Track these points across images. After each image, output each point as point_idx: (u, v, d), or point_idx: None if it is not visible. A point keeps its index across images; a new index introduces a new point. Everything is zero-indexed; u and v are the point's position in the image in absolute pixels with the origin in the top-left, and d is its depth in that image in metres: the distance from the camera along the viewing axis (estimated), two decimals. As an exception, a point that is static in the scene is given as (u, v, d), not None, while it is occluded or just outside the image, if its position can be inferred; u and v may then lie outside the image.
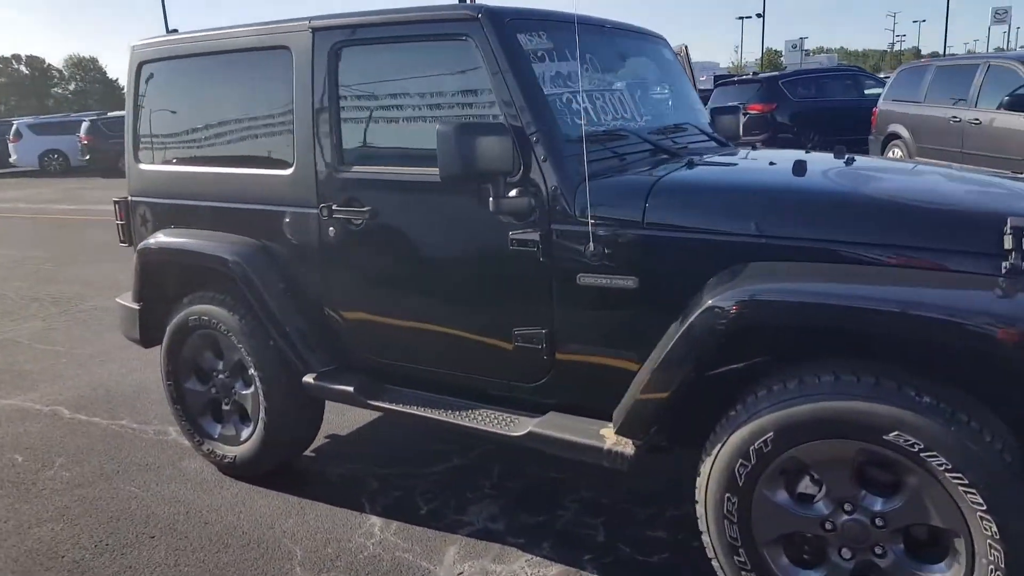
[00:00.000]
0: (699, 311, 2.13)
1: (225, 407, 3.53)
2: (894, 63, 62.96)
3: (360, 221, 2.94)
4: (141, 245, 3.54)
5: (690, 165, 2.68)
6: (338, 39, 2.92)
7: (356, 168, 2.95)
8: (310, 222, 3.08)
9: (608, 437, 2.48)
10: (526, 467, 3.48)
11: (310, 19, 3.01)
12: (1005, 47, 60.34)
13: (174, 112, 3.55)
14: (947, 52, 44.98)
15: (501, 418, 2.76)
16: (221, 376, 3.50)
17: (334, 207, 2.98)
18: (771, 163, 2.92)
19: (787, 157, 2.86)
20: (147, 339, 3.77)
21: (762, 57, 61.31)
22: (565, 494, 3.24)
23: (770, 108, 12.68)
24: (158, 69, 3.57)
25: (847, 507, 2.08)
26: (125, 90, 3.69)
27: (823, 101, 13.06)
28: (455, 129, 2.42)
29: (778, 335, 2.23)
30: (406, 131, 2.89)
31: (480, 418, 2.78)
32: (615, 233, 2.43)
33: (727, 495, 2.19)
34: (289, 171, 3.11)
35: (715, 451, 2.20)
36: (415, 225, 2.84)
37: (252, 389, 3.36)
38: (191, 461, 3.73)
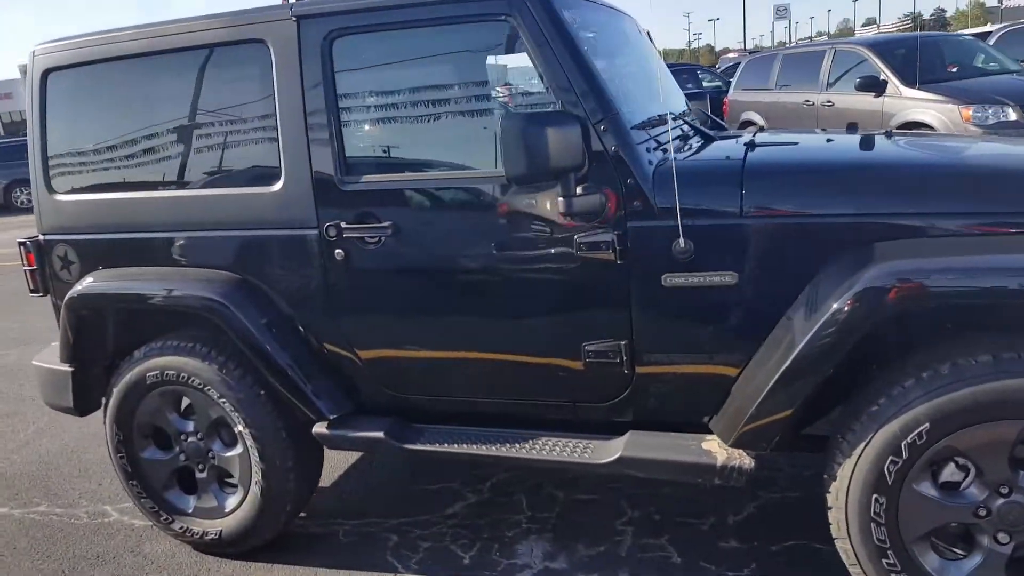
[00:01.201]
0: (846, 296, 1.96)
1: (200, 475, 2.96)
2: (693, 60, 67.49)
3: (377, 239, 2.53)
4: (71, 294, 2.88)
5: (751, 147, 2.52)
6: (333, 28, 2.49)
7: (368, 178, 2.54)
8: (308, 245, 2.62)
9: (717, 452, 2.27)
10: (552, 492, 3.19)
11: (291, 5, 2.56)
12: (788, 41, 66.57)
13: (101, 129, 2.91)
14: (746, 47, 48.87)
15: (573, 445, 2.47)
16: (192, 439, 2.92)
17: (343, 225, 2.54)
18: (829, 140, 2.84)
19: (820, 137, 2.79)
20: (83, 406, 3.10)
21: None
22: (609, 515, 3.00)
23: None
24: (74, 77, 2.91)
25: (1003, 489, 2.00)
26: (26, 106, 3.00)
27: None
28: (523, 122, 2.11)
29: (924, 317, 2.11)
30: (431, 130, 2.53)
31: (549, 448, 2.47)
32: (708, 225, 2.22)
33: (875, 496, 2.05)
34: (276, 187, 2.63)
35: (858, 451, 2.05)
36: (451, 239, 2.48)
37: (239, 449, 2.83)
38: (156, 544, 3.10)
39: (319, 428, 2.70)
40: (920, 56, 7.73)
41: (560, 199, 2.24)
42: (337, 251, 2.58)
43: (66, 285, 3.00)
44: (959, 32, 15.38)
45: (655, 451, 2.33)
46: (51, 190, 3.00)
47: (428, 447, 2.58)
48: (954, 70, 8.36)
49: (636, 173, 2.26)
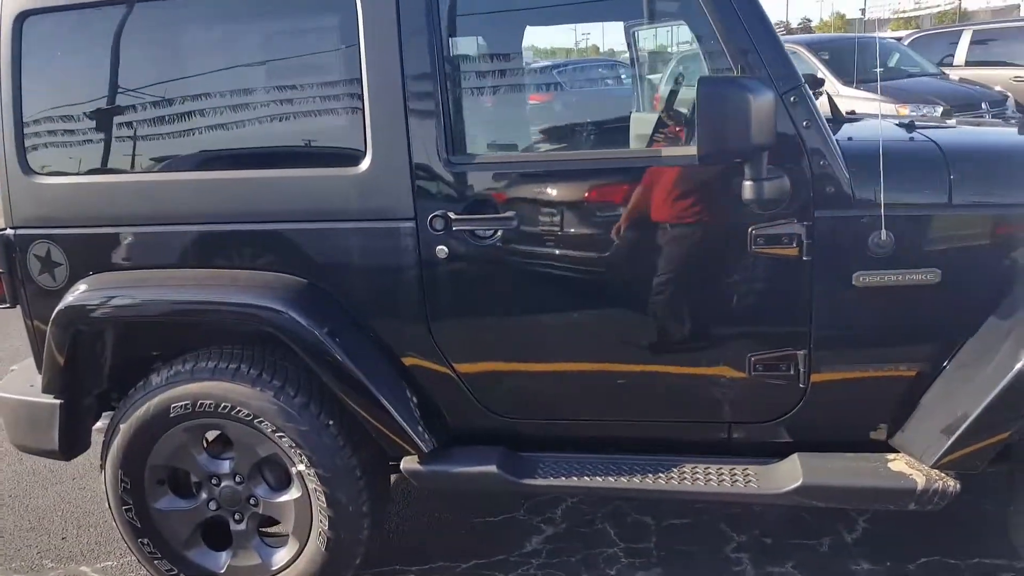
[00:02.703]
0: None
1: (236, 526, 2.39)
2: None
3: (492, 233, 2.08)
4: (66, 304, 2.23)
5: (911, 129, 2.25)
6: None
7: (487, 157, 2.08)
8: (401, 241, 2.12)
9: (913, 474, 1.98)
10: (638, 518, 2.82)
11: None
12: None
13: (105, 90, 2.27)
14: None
15: (728, 473, 2.12)
16: (228, 483, 2.35)
17: (453, 216, 2.07)
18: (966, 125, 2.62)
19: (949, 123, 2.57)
20: (70, 448, 2.44)
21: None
22: (714, 542, 2.66)
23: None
24: (65, 21, 2.25)
25: None
26: None
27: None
28: (727, 88, 1.74)
29: None
30: (574, 100, 2.10)
31: (701, 478, 2.11)
32: (911, 216, 1.93)
33: None
34: (361, 168, 2.11)
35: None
36: (589, 231, 2.06)
37: (295, 493, 2.29)
38: (173, 616, 2.49)
39: (410, 464, 2.22)
40: (853, 56, 7.89)
41: (747, 183, 1.88)
42: (439, 247, 2.10)
43: (47, 294, 2.35)
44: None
45: (842, 477, 2.02)
46: (27, 169, 2.31)
47: (553, 482, 2.16)
48: (881, 70, 8.63)
49: (829, 154, 1.94)
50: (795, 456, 2.10)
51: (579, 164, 2.07)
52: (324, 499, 2.23)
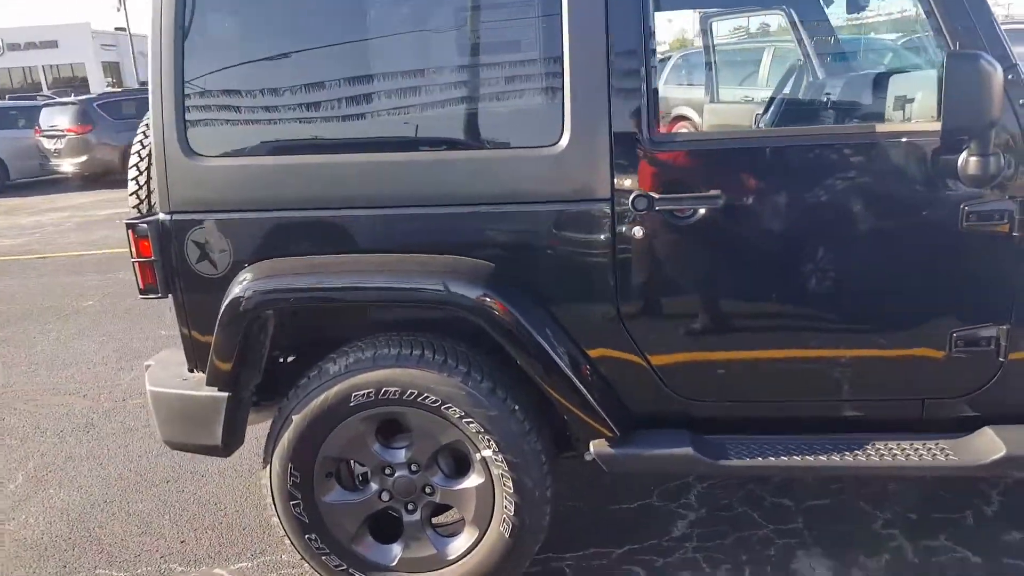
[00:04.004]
0: None
1: (409, 517, 2.33)
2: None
3: (694, 213, 2.08)
4: (245, 292, 2.15)
5: None
6: None
7: (690, 134, 2.07)
8: (596, 221, 2.11)
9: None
10: (775, 500, 2.85)
11: None
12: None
13: (278, 65, 2.19)
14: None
15: (920, 447, 2.15)
16: (403, 473, 2.30)
17: (655, 196, 2.06)
18: None
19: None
20: (233, 442, 2.35)
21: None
22: (861, 520, 2.69)
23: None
24: (236, 2, 2.18)
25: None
26: (151, 31, 2.18)
27: None
28: (975, 63, 1.77)
29: None
30: (789, 77, 2.10)
31: (897, 453, 2.13)
32: None
33: None
34: (557, 148, 2.09)
35: None
36: (797, 211, 2.07)
37: (477, 480, 2.25)
38: (339, 612, 2.42)
39: (602, 448, 2.20)
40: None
41: (973, 159, 1.92)
42: (636, 228, 2.09)
43: (206, 282, 2.27)
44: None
45: (1045, 447, 2.06)
46: (188, 152, 2.23)
47: (749, 463, 2.15)
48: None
49: None
50: (986, 429, 2.14)
51: (791, 141, 2.09)
52: (511, 485, 2.20)
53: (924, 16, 1.97)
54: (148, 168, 2.51)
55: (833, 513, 2.75)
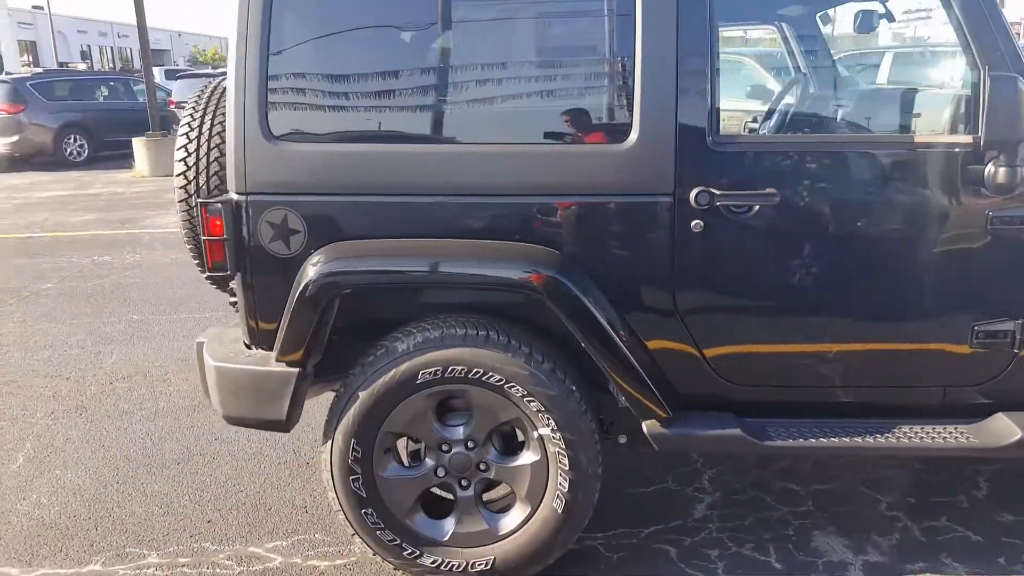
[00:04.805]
0: None
1: (463, 492, 2.41)
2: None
3: (750, 209, 2.24)
4: (323, 272, 2.20)
5: None
6: None
7: (749, 136, 2.23)
8: (658, 214, 2.24)
9: (1112, 422, 2.29)
10: (784, 485, 3.03)
11: None
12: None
13: (363, 55, 2.26)
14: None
15: (943, 431, 2.36)
16: (459, 449, 2.38)
17: (716, 192, 2.21)
18: None
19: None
20: (294, 417, 2.38)
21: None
22: (866, 502, 2.91)
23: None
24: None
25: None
26: (238, 20, 2.21)
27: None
28: (1016, 82, 1.98)
29: None
30: (835, 89, 2.28)
31: (923, 436, 2.34)
32: None
33: None
34: (626, 144, 2.21)
35: None
36: (843, 211, 2.25)
37: (533, 457, 2.35)
38: (388, 586, 2.48)
39: (655, 428, 2.33)
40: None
41: (1001, 169, 2.13)
42: (695, 222, 2.23)
43: (278, 261, 2.31)
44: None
45: (1055, 430, 2.30)
46: (269, 135, 2.27)
47: (792, 444, 2.32)
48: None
49: None
50: (1000, 415, 2.36)
51: (841, 147, 2.27)
52: (567, 462, 2.31)
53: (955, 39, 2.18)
54: (197, 151, 2.53)
55: (839, 497, 2.96)
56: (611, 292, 2.29)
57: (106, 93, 15.11)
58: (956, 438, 2.32)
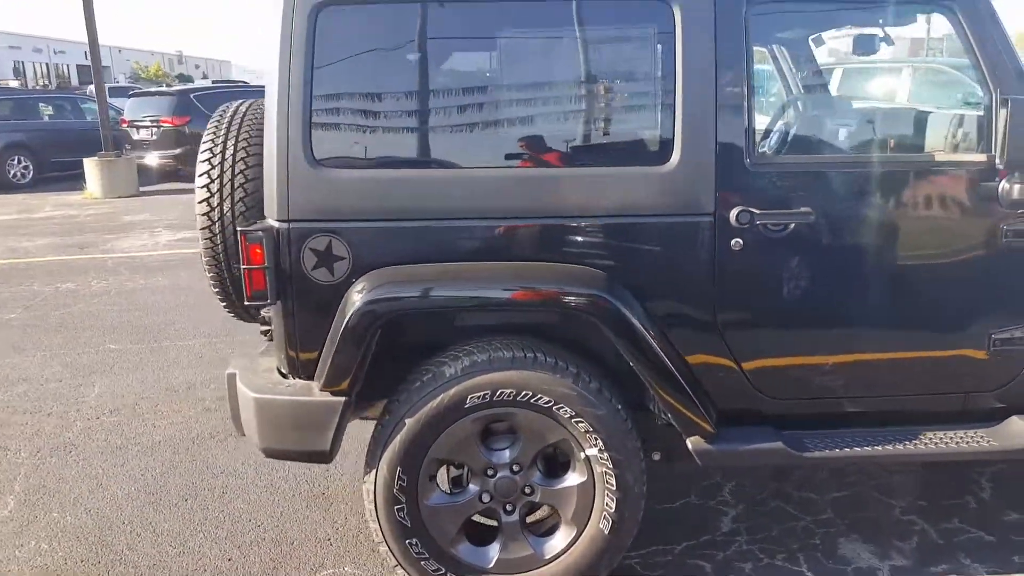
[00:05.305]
0: None
1: (507, 518, 2.40)
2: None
3: (786, 227, 2.31)
4: (373, 299, 2.19)
5: None
6: None
7: (785, 158, 2.30)
8: (699, 234, 2.29)
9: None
10: (801, 495, 3.11)
11: None
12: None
13: (403, 86, 2.25)
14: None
15: (963, 436, 2.46)
16: (505, 473, 2.37)
17: (755, 212, 2.27)
18: None
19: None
20: (336, 446, 2.34)
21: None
22: (879, 508, 3.00)
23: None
24: (365, 15, 2.22)
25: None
26: (280, 48, 2.19)
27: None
28: None
29: None
30: (860, 110, 2.37)
31: (952, 441, 2.43)
32: None
33: None
34: (668, 166, 2.26)
35: None
36: (872, 228, 2.34)
37: (580, 478, 2.36)
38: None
39: (699, 444, 2.37)
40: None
41: (1017, 186, 2.25)
42: (735, 240, 2.29)
43: (321, 288, 2.28)
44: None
45: (1069, 431, 2.42)
46: (312, 160, 2.24)
47: (831, 454, 2.39)
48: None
49: None
50: (1014, 418, 2.48)
51: (867, 166, 2.35)
52: (614, 482, 2.33)
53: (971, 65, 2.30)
54: (221, 177, 2.48)
55: (855, 504, 3.05)
56: (655, 310, 2.33)
57: (51, 112, 14.63)
58: (977, 442, 2.43)
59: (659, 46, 2.27)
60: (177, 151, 13.39)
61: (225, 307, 2.76)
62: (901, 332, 2.44)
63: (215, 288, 2.63)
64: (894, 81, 8.46)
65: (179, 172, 14.22)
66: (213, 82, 24.14)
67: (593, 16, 2.27)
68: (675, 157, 2.26)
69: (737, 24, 2.23)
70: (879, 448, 2.41)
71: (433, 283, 2.24)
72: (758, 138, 2.36)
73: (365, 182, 2.27)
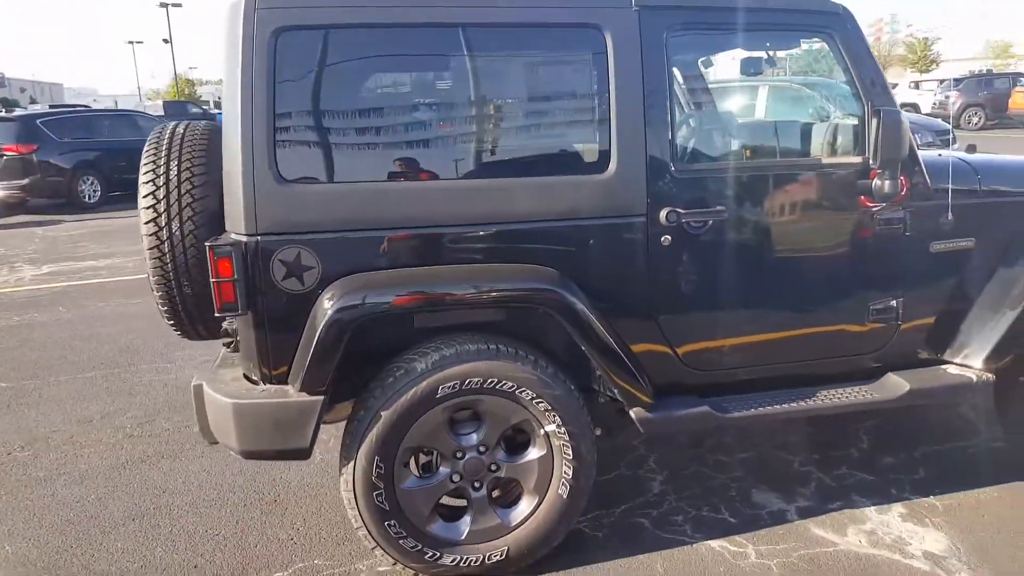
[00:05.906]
0: None
1: (475, 494, 2.64)
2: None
3: (704, 224, 2.69)
4: (345, 304, 2.37)
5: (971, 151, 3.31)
6: (675, 21, 2.60)
7: (701, 164, 2.69)
8: (633, 233, 2.64)
9: (969, 374, 2.96)
10: (717, 458, 3.53)
11: None
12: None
13: (363, 104, 2.45)
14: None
15: (853, 391, 2.94)
16: (473, 454, 2.61)
17: (681, 211, 2.64)
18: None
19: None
20: (314, 442, 2.48)
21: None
22: (783, 464, 3.46)
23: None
24: (326, 38, 2.39)
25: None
26: (240, 69, 2.32)
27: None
28: (899, 115, 2.59)
29: None
30: (759, 122, 2.78)
31: (842, 397, 2.90)
32: (962, 203, 2.93)
33: None
34: (606, 174, 2.59)
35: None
36: (775, 221, 2.77)
37: (540, 452, 2.63)
38: (415, 592, 2.63)
39: (641, 413, 2.70)
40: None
41: (887, 182, 2.74)
42: (664, 237, 2.65)
43: (291, 297, 2.44)
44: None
45: (929, 382, 2.94)
46: (278, 176, 2.40)
47: (747, 413, 2.79)
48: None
49: (919, 163, 2.87)
50: (889, 375, 2.98)
51: (768, 170, 2.78)
52: (571, 452, 2.61)
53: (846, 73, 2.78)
54: (167, 197, 2.57)
55: (761, 462, 3.50)
56: (599, 300, 2.64)
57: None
58: (865, 395, 2.91)
59: (594, 70, 2.60)
60: (24, 181, 12.65)
61: (172, 326, 2.81)
62: (801, 309, 2.89)
63: (163, 307, 2.68)
64: (758, 97, 9.50)
65: (27, 203, 13.27)
66: (51, 106, 22.37)
67: (536, 42, 2.58)
68: (612, 166, 2.59)
69: (659, 47, 2.60)
70: (786, 406, 2.84)
71: (402, 286, 2.44)
72: (679, 148, 2.73)
73: (330, 195, 2.45)
